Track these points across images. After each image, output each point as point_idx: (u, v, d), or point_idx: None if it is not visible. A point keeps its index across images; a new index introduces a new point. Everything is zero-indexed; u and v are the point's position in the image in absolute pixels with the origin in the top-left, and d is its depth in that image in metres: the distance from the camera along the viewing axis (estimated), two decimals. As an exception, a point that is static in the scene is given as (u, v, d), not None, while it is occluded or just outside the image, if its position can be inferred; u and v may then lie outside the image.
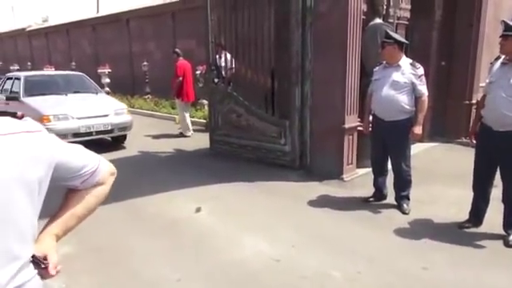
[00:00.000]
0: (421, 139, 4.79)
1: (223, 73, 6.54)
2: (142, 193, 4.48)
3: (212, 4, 6.06)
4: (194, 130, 8.17)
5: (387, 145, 3.97)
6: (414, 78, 3.77)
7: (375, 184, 4.25)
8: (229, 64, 6.40)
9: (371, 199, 4.27)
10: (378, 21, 5.10)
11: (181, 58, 8.04)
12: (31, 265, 0.96)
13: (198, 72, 9.27)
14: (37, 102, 6.72)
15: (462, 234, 3.49)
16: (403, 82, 3.77)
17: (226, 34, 6.10)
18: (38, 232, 1.00)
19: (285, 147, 5.42)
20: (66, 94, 7.23)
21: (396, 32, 4.79)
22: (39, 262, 0.98)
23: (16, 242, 0.90)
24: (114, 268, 3.06)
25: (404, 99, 3.79)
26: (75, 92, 7.41)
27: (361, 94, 4.83)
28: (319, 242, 3.43)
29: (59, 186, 1.07)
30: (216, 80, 6.40)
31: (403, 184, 4.01)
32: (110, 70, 12.87)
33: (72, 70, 14.40)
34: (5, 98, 7.25)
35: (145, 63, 12.29)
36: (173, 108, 10.16)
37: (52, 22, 22.61)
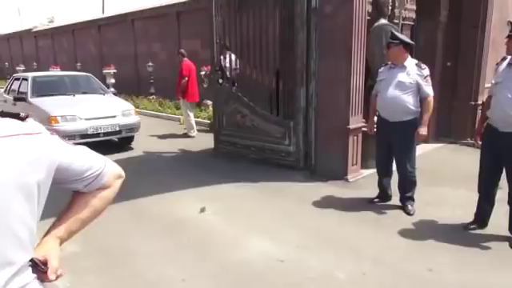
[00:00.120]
0: (426, 140, 4.76)
1: (228, 73, 6.55)
2: (146, 193, 4.49)
3: (217, 5, 6.07)
4: (199, 131, 8.18)
5: (392, 145, 3.96)
6: (420, 79, 3.76)
7: (380, 185, 4.24)
8: (233, 65, 6.42)
9: (376, 200, 4.26)
10: (383, 21, 5.10)
11: (186, 59, 8.07)
12: (29, 269, 0.94)
13: (202, 73, 9.29)
14: (44, 102, 6.69)
15: (467, 235, 3.48)
16: (409, 82, 3.76)
17: (230, 35, 6.11)
18: (37, 235, 0.98)
19: (289, 148, 5.42)
20: (74, 95, 7.20)
21: (401, 33, 4.78)
22: (37, 266, 0.96)
23: (11, 247, 0.88)
24: (118, 267, 3.07)
25: (409, 100, 3.77)
26: (83, 93, 7.39)
27: (366, 94, 4.82)
28: (324, 242, 3.43)
29: (63, 188, 1.06)
30: (221, 81, 6.41)
31: (408, 185, 4.00)
32: (115, 71, 12.92)
33: (77, 70, 14.51)
34: (12, 98, 7.22)
35: (150, 64, 12.33)
36: (177, 108, 10.19)
37: (58, 23, 22.79)
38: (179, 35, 12.14)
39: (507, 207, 3.32)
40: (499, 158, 3.29)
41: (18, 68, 19.18)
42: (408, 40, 3.94)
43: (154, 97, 12.23)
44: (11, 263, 0.88)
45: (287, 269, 3.01)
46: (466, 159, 5.53)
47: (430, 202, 4.17)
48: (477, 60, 6.44)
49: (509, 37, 3.15)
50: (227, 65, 6.56)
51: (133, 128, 6.90)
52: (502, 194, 3.47)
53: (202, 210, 4.12)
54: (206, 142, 6.91)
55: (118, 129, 6.62)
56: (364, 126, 4.79)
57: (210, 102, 8.85)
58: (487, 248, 3.26)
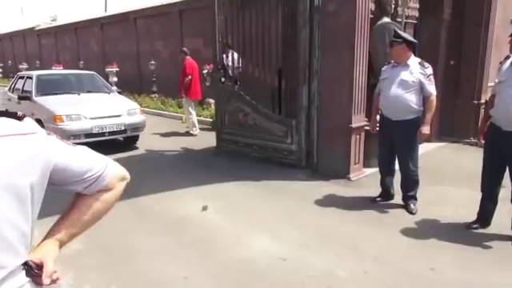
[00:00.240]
0: (428, 139, 4.75)
1: (230, 72, 6.54)
2: (148, 191, 4.50)
3: (219, 3, 6.07)
4: (201, 129, 8.19)
5: (394, 144, 3.95)
6: (423, 78, 3.75)
7: (382, 184, 4.23)
8: (236, 63, 6.41)
9: (378, 199, 4.25)
10: (386, 20, 5.08)
11: (188, 57, 8.08)
12: (22, 272, 0.92)
13: (205, 71, 9.29)
14: (49, 101, 6.62)
15: (469, 234, 3.47)
16: (411, 81, 3.75)
17: (233, 33, 6.11)
18: (31, 238, 0.95)
19: (291, 146, 5.41)
20: (79, 94, 7.13)
21: (404, 31, 4.77)
22: (31, 270, 0.93)
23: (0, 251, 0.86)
24: (121, 265, 3.08)
25: (412, 98, 3.76)
26: (88, 91, 7.32)
27: (368, 93, 4.81)
28: (325, 241, 3.43)
29: (64, 190, 1.03)
30: (223, 79, 6.41)
31: (410, 184, 3.99)
32: (117, 69, 12.93)
33: (80, 68, 14.53)
34: (17, 97, 7.17)
35: (152, 62, 12.34)
36: (179, 107, 10.20)
37: (60, 22, 22.82)
38: (181, 33, 12.14)
39: (510, 206, 3.30)
40: (502, 156, 3.28)
41: (20, 66, 19.25)
42: (411, 38, 3.93)
43: (156, 95, 12.25)
44: (0, 267, 0.86)
45: (289, 267, 3.01)
46: (469, 158, 5.51)
47: (432, 201, 4.16)
48: (480, 58, 6.42)
49: (512, 35, 3.14)
50: (229, 63, 6.56)
51: (138, 127, 6.85)
52: (505, 193, 3.46)
53: (204, 208, 4.12)
54: (208, 140, 6.91)
55: (123, 128, 6.56)
56: (366, 125, 4.78)
57: (212, 101, 8.85)
58: (490, 247, 3.25)
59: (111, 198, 1.11)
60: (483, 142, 3.52)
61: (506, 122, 3.17)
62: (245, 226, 3.77)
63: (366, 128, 4.76)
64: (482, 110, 5.99)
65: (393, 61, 3.94)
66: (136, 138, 7.07)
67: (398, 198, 4.16)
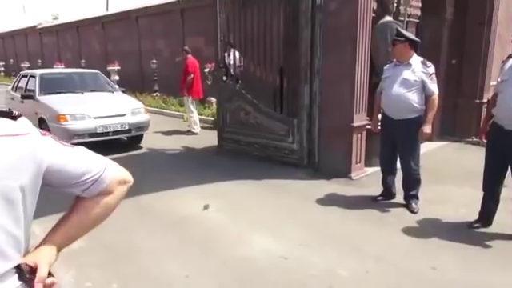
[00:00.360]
0: (430, 138, 4.75)
1: (232, 71, 6.54)
2: (150, 189, 4.50)
3: (221, 2, 6.06)
4: (202, 128, 8.20)
5: (396, 143, 3.95)
6: (425, 77, 3.74)
7: (384, 183, 4.23)
8: (237, 62, 6.41)
9: (380, 198, 4.25)
10: (388, 19, 5.08)
11: (190, 56, 8.08)
12: (14, 276, 0.89)
13: (206, 70, 9.29)
14: (53, 100, 6.55)
15: (471, 234, 3.46)
16: (413, 80, 3.74)
17: (234, 32, 6.11)
18: (26, 241, 0.93)
19: (293, 145, 5.41)
20: (83, 93, 7.05)
21: (406, 30, 4.76)
22: (22, 274, 0.90)
23: None
24: (122, 263, 3.08)
25: (414, 98, 3.75)
26: (91, 90, 7.25)
27: (370, 92, 4.80)
28: (327, 240, 3.43)
29: (62, 192, 1.01)
30: (224, 78, 6.41)
31: (412, 183, 3.99)
32: (119, 68, 12.94)
33: (82, 67, 14.55)
34: (20, 96, 7.11)
35: (154, 61, 12.35)
36: (181, 106, 10.20)
37: (62, 20, 22.83)
38: (183, 32, 12.14)
39: (512, 206, 3.31)
40: (504, 156, 3.27)
41: (22, 65, 19.28)
42: (413, 37, 3.92)
43: (158, 94, 12.26)
44: None
45: (290, 266, 3.01)
46: (471, 157, 5.50)
47: (434, 200, 4.16)
48: (482, 57, 6.40)
49: (515, 34, 3.13)
50: (231, 62, 6.55)
51: (142, 127, 6.79)
52: (506, 193, 3.46)
53: (206, 207, 4.13)
54: (210, 139, 6.91)
55: (127, 127, 6.49)
56: (368, 124, 4.78)
57: (213, 99, 8.86)
58: (491, 247, 3.24)
59: (111, 202, 1.06)
60: (485, 141, 3.51)
61: (508, 121, 3.16)
62: (246, 224, 3.77)
63: (368, 127, 4.76)
64: (484, 109, 5.97)
65: (395, 60, 3.93)
66: (140, 137, 7.01)
67: (399, 197, 4.15)
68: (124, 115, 6.52)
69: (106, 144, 6.13)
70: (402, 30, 4.01)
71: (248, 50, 6.01)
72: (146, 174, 5.13)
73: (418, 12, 5.70)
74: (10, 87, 8.48)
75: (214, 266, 3.02)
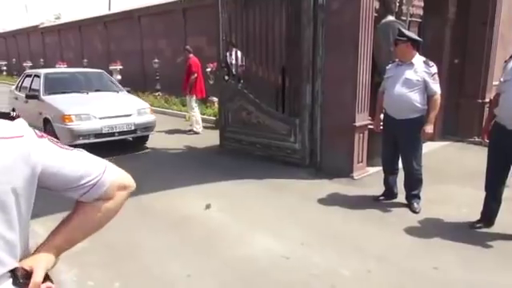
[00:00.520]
0: (432, 138, 4.74)
1: (234, 70, 6.54)
2: (152, 189, 4.51)
3: (223, 1, 6.06)
4: (204, 127, 8.20)
5: (398, 143, 3.94)
6: (427, 77, 3.73)
7: (386, 183, 4.22)
8: (239, 61, 6.41)
9: (381, 198, 4.25)
10: (391, 18, 5.07)
11: (192, 55, 8.09)
12: (9, 280, 0.88)
13: (208, 69, 9.30)
14: (58, 100, 6.44)
15: (473, 234, 3.46)
16: (416, 80, 3.73)
17: (236, 32, 6.11)
18: (20, 245, 0.91)
19: (295, 145, 5.41)
20: (87, 93, 6.94)
21: (408, 29, 4.75)
22: (17, 279, 0.88)
23: None
24: (124, 263, 3.09)
25: (416, 97, 3.75)
26: (96, 90, 7.16)
27: (372, 91, 4.80)
28: (328, 240, 3.43)
29: (61, 196, 0.99)
30: (226, 77, 6.41)
31: (414, 183, 3.98)
32: (121, 67, 12.96)
33: (84, 66, 14.58)
34: (24, 95, 7.03)
35: (155, 60, 12.36)
36: (183, 105, 10.21)
37: (64, 20, 22.88)
38: (185, 32, 12.15)
39: (514, 206, 3.30)
40: (507, 156, 3.27)
41: (25, 64, 19.35)
42: (416, 37, 3.91)
43: (160, 93, 12.27)
44: None
45: (292, 266, 3.01)
46: (473, 157, 5.49)
47: (435, 200, 4.15)
48: (485, 57, 6.39)
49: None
50: (233, 61, 6.55)
51: (148, 127, 6.71)
52: (509, 193, 3.45)
53: (208, 206, 4.13)
54: (212, 138, 6.91)
55: (133, 128, 6.39)
56: (370, 124, 4.77)
57: (215, 99, 8.86)
58: (493, 247, 3.24)
59: (111, 208, 1.03)
60: (487, 141, 3.51)
61: (511, 121, 3.15)
62: (248, 224, 3.77)
63: (370, 127, 4.75)
64: (487, 109, 5.96)
65: (397, 59, 3.92)
66: (146, 138, 6.93)
67: (401, 197, 4.15)
68: (130, 115, 6.43)
69: (109, 144, 6.12)
70: (403, 30, 4.01)
71: (250, 49, 6.01)
72: (148, 173, 5.14)
73: (421, 11, 5.69)
74: (13, 87, 8.42)
75: (216, 266, 3.03)
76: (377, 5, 4.89)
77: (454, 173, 5.07)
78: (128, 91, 7.75)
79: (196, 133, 7.99)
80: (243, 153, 5.99)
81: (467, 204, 3.97)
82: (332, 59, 4.90)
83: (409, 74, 3.76)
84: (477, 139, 6.24)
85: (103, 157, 1.06)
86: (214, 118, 8.57)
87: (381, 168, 4.31)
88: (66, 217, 1.02)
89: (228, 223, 3.81)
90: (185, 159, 6.26)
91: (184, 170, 5.51)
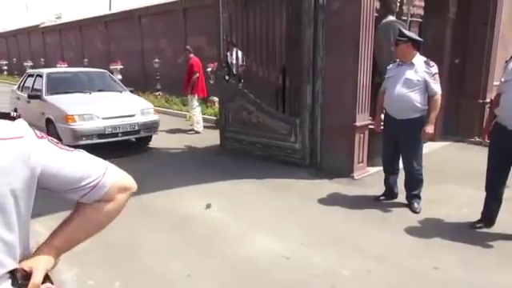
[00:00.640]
0: (433, 138, 4.74)
1: (234, 70, 6.55)
2: (152, 189, 4.51)
3: (224, 1, 6.07)
4: (205, 127, 8.21)
5: (399, 143, 3.94)
6: (428, 77, 3.73)
7: (386, 183, 4.22)
8: (240, 61, 6.41)
9: (382, 198, 4.25)
10: (391, 18, 5.07)
11: (192, 55, 8.09)
12: (8, 281, 0.88)
13: (209, 69, 9.31)
14: (60, 100, 6.36)
15: (473, 234, 3.46)
16: (416, 80, 3.73)
17: (237, 32, 6.11)
18: (20, 246, 0.91)
19: (295, 145, 5.41)
20: (90, 93, 6.84)
21: (409, 30, 4.75)
22: (15, 280, 0.88)
23: None
24: (125, 262, 3.09)
25: (417, 97, 3.75)
26: (99, 90, 7.06)
27: (373, 91, 4.80)
28: (329, 239, 3.43)
29: (62, 197, 0.99)
30: (227, 77, 6.41)
31: (414, 183, 3.98)
32: (121, 67, 12.96)
33: (84, 66, 14.59)
34: (27, 95, 6.96)
35: (156, 60, 12.36)
36: (183, 105, 10.21)
37: (65, 19, 22.89)
38: (185, 32, 12.16)
39: (515, 206, 3.30)
40: (507, 156, 3.27)
41: (25, 64, 19.37)
42: (416, 37, 3.91)
43: (160, 93, 12.27)
44: None
45: (292, 266, 3.02)
46: (473, 158, 5.49)
47: (436, 200, 4.15)
48: (485, 57, 6.38)
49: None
50: (233, 61, 6.56)
51: (152, 127, 6.65)
52: (509, 193, 3.45)
53: (208, 206, 4.13)
54: (212, 138, 6.92)
55: (136, 128, 6.33)
56: (371, 124, 4.77)
57: (216, 99, 8.87)
58: (493, 247, 3.24)
59: (112, 209, 1.02)
60: (488, 141, 3.51)
61: (512, 121, 3.15)
62: (248, 224, 3.77)
63: (371, 127, 4.75)
64: (487, 109, 5.96)
65: (398, 59, 3.92)
66: (149, 138, 6.88)
67: (401, 197, 4.15)
68: (133, 116, 6.36)
69: (112, 145, 6.11)
70: (404, 30, 4.00)
71: (250, 49, 6.01)
72: (149, 172, 5.14)
73: (421, 11, 5.69)
74: (15, 86, 8.36)
75: (216, 265, 3.03)
76: (377, 5, 4.89)
77: (454, 173, 5.07)
78: (131, 91, 7.71)
79: (197, 132, 8.00)
80: (243, 152, 5.99)
81: (467, 204, 3.97)
82: (332, 59, 4.90)
83: (409, 74, 3.76)
84: (477, 139, 6.24)
85: (105, 158, 1.06)
86: (215, 118, 8.57)
87: (381, 168, 4.31)
88: (66, 218, 1.02)
89: (228, 223, 3.81)
90: (185, 159, 6.26)
91: (184, 169, 5.52)
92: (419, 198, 4.00)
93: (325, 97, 5.06)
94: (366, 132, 4.91)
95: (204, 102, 9.28)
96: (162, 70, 12.41)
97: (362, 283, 2.80)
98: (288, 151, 5.49)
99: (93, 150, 1.08)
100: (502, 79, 3.33)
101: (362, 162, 4.98)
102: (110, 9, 25.23)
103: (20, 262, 0.92)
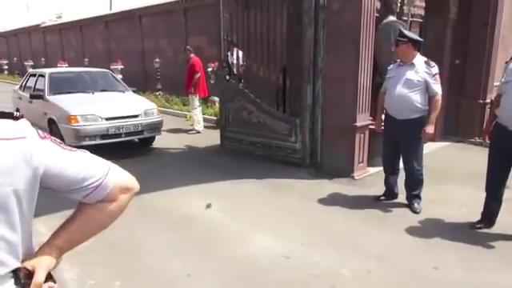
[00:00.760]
0: (433, 138, 4.74)
1: (234, 70, 6.55)
2: (153, 188, 4.51)
3: (224, 1, 6.07)
4: (205, 127, 8.21)
5: (399, 143, 3.95)
6: (428, 77, 3.73)
7: (386, 183, 4.22)
8: (240, 61, 6.41)
9: (382, 198, 4.25)
10: (392, 18, 5.07)
11: (193, 55, 8.10)
12: (11, 280, 0.88)
13: (209, 69, 9.32)
14: (63, 100, 6.30)
15: (473, 234, 3.46)
16: (417, 80, 3.74)
17: (237, 32, 6.11)
18: (22, 245, 0.91)
19: (295, 145, 5.41)
20: (93, 93, 6.78)
21: (410, 30, 4.75)
22: (18, 279, 0.89)
23: None
24: (125, 262, 3.10)
25: (417, 98, 3.75)
26: (102, 90, 7.01)
27: (373, 92, 4.80)
28: (329, 239, 3.43)
29: (64, 197, 0.99)
30: (227, 77, 6.41)
31: (415, 183, 3.98)
32: (122, 67, 12.97)
33: (85, 66, 14.59)
34: (29, 95, 6.91)
35: (157, 60, 12.36)
36: (184, 105, 10.21)
37: (66, 19, 22.90)
38: (186, 32, 12.17)
39: (515, 206, 3.30)
40: (508, 157, 3.27)
41: (26, 63, 19.39)
42: (417, 37, 3.91)
43: (161, 93, 12.27)
44: None
45: (292, 265, 3.02)
46: (474, 158, 5.49)
47: (436, 200, 4.15)
48: (486, 58, 6.38)
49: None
50: (234, 61, 6.56)
51: (155, 128, 6.61)
52: (509, 194, 3.45)
53: (208, 206, 4.14)
54: (213, 138, 6.92)
55: (140, 129, 6.28)
56: (371, 124, 4.78)
57: (216, 99, 8.87)
58: (494, 247, 3.24)
59: (114, 210, 1.02)
60: (488, 141, 3.51)
61: (512, 121, 3.16)
62: (248, 223, 3.78)
63: (371, 127, 4.75)
64: (488, 110, 5.96)
65: (398, 60, 3.93)
66: (152, 139, 6.85)
67: (402, 197, 4.15)
68: (137, 116, 6.31)
69: (114, 146, 6.09)
70: (404, 31, 4.00)
71: (251, 49, 6.01)
72: (149, 172, 5.14)
73: (422, 12, 5.69)
74: (17, 86, 8.30)
75: (216, 265, 3.03)
76: (378, 5, 4.89)
77: (454, 173, 5.07)
78: (134, 91, 7.66)
79: (197, 132, 8.00)
80: (244, 152, 6.00)
81: (468, 204, 3.97)
82: (333, 59, 4.90)
83: (410, 74, 3.76)
84: (478, 140, 6.24)
85: (108, 159, 1.05)
86: (215, 118, 8.57)
87: (381, 168, 4.31)
88: (68, 217, 1.02)
89: (228, 223, 3.82)
90: (185, 158, 6.26)
91: (184, 169, 5.52)
92: (419, 198, 4.01)
93: (325, 97, 5.06)
94: (367, 132, 4.91)
95: (204, 101, 9.29)
96: (162, 70, 12.41)
97: (362, 283, 2.81)
98: (288, 151, 5.50)
99: (95, 150, 1.08)
100: (503, 80, 3.33)
101: (362, 162, 4.98)
102: (110, 8, 25.25)
103: (22, 261, 0.92)
